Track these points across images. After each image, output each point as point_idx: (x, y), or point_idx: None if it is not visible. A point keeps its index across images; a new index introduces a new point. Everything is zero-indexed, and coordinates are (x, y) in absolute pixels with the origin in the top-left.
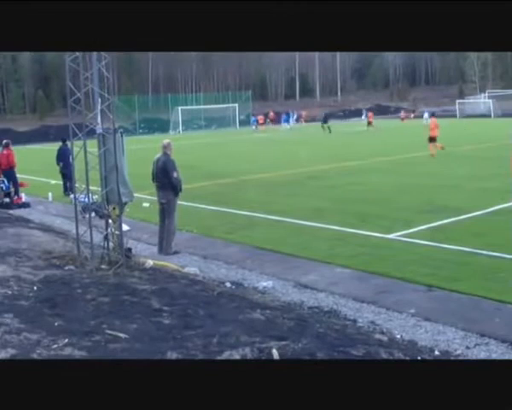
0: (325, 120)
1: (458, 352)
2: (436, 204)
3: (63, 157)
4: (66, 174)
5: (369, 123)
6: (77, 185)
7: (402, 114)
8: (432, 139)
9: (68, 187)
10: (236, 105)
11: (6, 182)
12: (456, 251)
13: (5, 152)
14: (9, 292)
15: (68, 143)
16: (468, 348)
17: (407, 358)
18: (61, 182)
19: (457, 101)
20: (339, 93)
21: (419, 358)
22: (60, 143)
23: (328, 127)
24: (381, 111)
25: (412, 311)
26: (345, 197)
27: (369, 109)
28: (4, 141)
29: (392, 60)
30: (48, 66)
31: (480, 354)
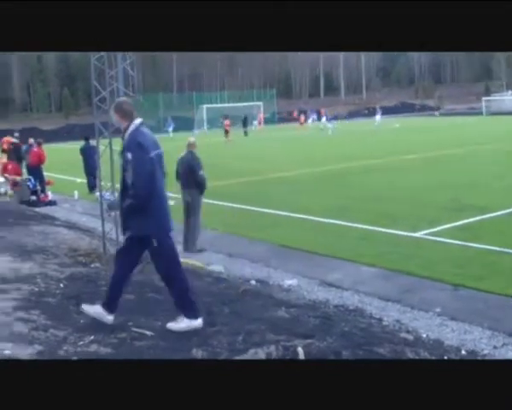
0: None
1: (485, 352)
2: (463, 202)
3: (86, 155)
4: (90, 172)
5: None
6: (102, 183)
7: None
8: None
9: (93, 185)
10: (261, 103)
11: (33, 180)
12: (483, 250)
13: (35, 150)
14: (36, 289)
15: (91, 142)
16: (495, 347)
17: (433, 357)
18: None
19: (483, 98)
20: (363, 91)
21: (445, 357)
22: (83, 142)
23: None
24: (405, 109)
25: (438, 310)
26: (370, 195)
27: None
28: (32, 140)
29: (418, 57)
30: (73, 65)
31: (508, 353)
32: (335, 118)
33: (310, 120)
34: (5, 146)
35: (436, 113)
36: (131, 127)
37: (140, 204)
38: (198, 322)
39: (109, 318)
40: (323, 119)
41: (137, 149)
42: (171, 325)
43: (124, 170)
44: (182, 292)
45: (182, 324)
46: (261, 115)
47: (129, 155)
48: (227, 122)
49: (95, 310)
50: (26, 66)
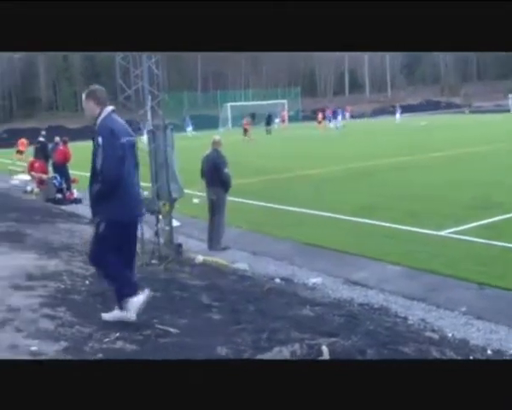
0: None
1: None
2: (490, 201)
3: None
4: None
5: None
6: None
7: None
8: None
9: None
10: (285, 101)
11: (59, 178)
12: (509, 248)
13: (61, 148)
14: (62, 286)
15: None
16: None
17: (459, 357)
18: None
19: (510, 95)
20: (388, 89)
21: (471, 357)
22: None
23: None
24: (431, 107)
25: (463, 309)
26: (395, 194)
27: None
28: (57, 138)
29: (443, 55)
30: (98, 64)
31: None
32: (343, 116)
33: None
34: (22, 147)
35: (466, 110)
36: (103, 114)
37: (109, 189)
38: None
39: (131, 315)
40: (339, 117)
41: (108, 134)
42: (105, 315)
43: (94, 155)
44: (126, 281)
45: (115, 312)
46: (285, 113)
47: (100, 141)
48: (246, 121)
49: (114, 315)
50: (52, 65)
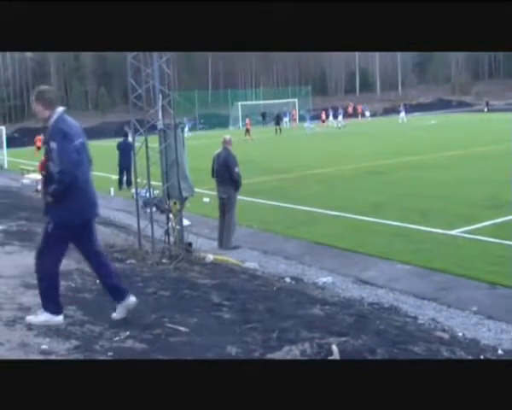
0: (278, 121)
1: None
2: (502, 200)
3: (121, 151)
4: (122, 168)
5: None
6: (138, 180)
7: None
8: None
9: (125, 181)
10: (296, 100)
11: None
12: None
13: None
14: (73, 285)
15: (129, 138)
16: None
17: (469, 357)
18: (125, 177)
19: None
20: (399, 87)
21: (482, 357)
22: (120, 139)
23: (280, 129)
24: (442, 105)
25: (474, 309)
26: (406, 192)
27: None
28: None
29: (455, 53)
30: (109, 63)
31: None
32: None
33: (331, 118)
34: (40, 144)
35: (485, 108)
36: (55, 116)
37: (64, 192)
38: (58, 319)
39: (58, 319)
40: (340, 116)
41: (62, 137)
42: (30, 319)
43: (48, 159)
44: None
45: (41, 317)
46: (295, 112)
47: (53, 145)
48: (248, 121)
49: (39, 319)
50: (63, 64)
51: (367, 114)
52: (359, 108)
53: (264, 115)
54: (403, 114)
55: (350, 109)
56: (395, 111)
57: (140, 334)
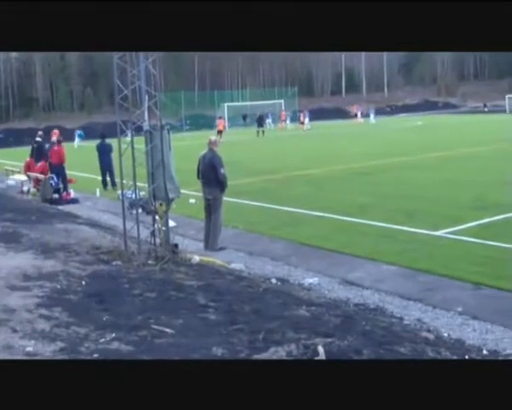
0: (260, 123)
1: (508, 351)
2: (487, 201)
3: (101, 152)
4: (104, 169)
5: None
6: (124, 182)
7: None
8: None
9: (108, 182)
10: (282, 101)
11: (55, 178)
12: (506, 249)
13: (56, 148)
14: (58, 286)
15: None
16: None
17: (454, 357)
18: (108, 178)
19: (507, 96)
20: (385, 89)
21: (467, 357)
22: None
23: (263, 131)
24: (428, 107)
25: (459, 309)
26: (392, 193)
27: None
28: (58, 137)
29: (440, 54)
30: (95, 63)
31: None
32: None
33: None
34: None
35: (485, 108)
36: None
37: None
38: None
39: None
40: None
41: None
42: None
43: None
44: None
45: None
46: (283, 113)
47: None
48: (220, 122)
49: None
50: (48, 64)
51: (359, 115)
52: (354, 108)
53: (244, 117)
54: (372, 116)
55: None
56: (381, 112)
57: (126, 336)
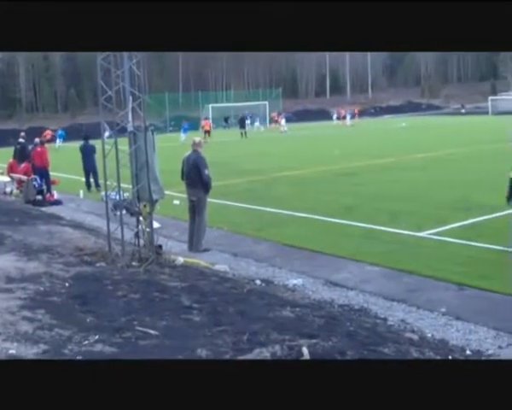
0: (242, 125)
1: (490, 352)
2: (471, 201)
3: (85, 153)
4: (88, 170)
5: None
6: (108, 183)
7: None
8: None
9: (92, 183)
10: (266, 102)
11: (39, 180)
12: (489, 249)
13: (39, 150)
14: (42, 288)
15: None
16: (500, 347)
17: (438, 357)
18: (91, 179)
19: (490, 98)
20: (369, 90)
21: (450, 357)
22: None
23: (245, 132)
24: (412, 108)
25: (443, 310)
26: (376, 194)
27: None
28: (37, 139)
29: (424, 56)
30: (79, 64)
31: None
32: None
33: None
34: (48, 137)
35: (462, 110)
36: None
37: None
38: None
39: None
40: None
41: None
42: None
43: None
44: None
45: None
46: (275, 114)
47: None
48: (206, 122)
49: None
50: (32, 65)
51: (348, 117)
52: (343, 111)
53: (226, 119)
54: (348, 117)
55: (343, 112)
56: (365, 114)
57: (109, 337)
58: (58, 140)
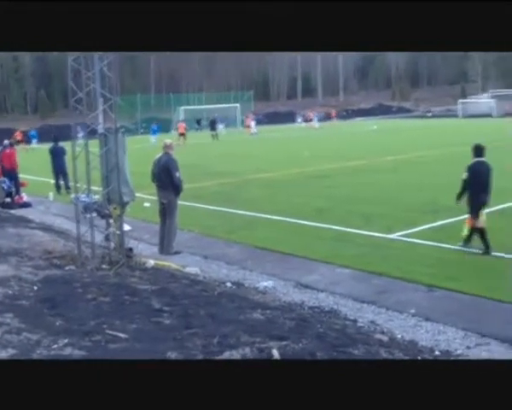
0: (213, 127)
1: (459, 352)
2: (440, 204)
3: (55, 156)
4: (58, 172)
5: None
6: (78, 185)
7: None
8: None
9: (62, 185)
10: (238, 105)
11: (7, 182)
12: (458, 251)
13: (8, 152)
14: (10, 292)
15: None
16: (468, 348)
17: (407, 358)
18: (61, 181)
19: (459, 101)
20: (341, 93)
21: (419, 358)
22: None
23: (216, 135)
24: (383, 111)
25: (413, 311)
26: (348, 197)
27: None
28: (6, 141)
29: (394, 59)
30: (50, 65)
31: (481, 353)
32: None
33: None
34: (18, 138)
35: (428, 114)
36: None
37: None
38: None
39: None
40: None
41: None
42: None
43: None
44: None
45: None
46: (249, 118)
47: None
48: (181, 125)
49: None
50: (0, 65)
51: (315, 119)
52: (311, 114)
53: (198, 121)
54: (315, 120)
55: (311, 115)
56: (338, 116)
57: (79, 341)
58: (33, 140)
